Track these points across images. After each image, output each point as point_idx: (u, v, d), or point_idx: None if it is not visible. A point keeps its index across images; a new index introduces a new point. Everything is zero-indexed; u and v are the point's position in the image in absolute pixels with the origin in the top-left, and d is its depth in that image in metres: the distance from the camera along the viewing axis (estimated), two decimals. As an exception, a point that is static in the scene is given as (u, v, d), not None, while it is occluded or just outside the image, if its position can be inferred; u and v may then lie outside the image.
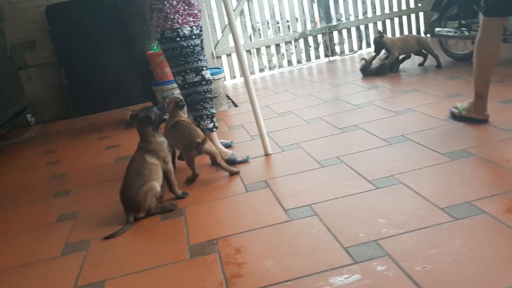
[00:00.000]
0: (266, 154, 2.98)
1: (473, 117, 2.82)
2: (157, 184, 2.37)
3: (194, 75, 2.89)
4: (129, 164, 2.40)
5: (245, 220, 2.15)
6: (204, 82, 2.91)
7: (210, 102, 2.98)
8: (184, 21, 2.79)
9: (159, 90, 4.44)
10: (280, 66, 6.33)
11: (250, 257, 1.83)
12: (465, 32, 4.24)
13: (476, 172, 2.19)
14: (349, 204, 2.10)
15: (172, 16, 2.75)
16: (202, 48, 2.96)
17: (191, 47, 2.85)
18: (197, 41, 2.90)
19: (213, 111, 2.99)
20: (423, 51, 4.71)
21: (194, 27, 2.86)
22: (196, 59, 2.88)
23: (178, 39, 2.81)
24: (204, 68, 2.93)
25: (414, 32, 6.59)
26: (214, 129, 2.99)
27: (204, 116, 2.95)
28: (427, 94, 3.67)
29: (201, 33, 2.94)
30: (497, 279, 1.42)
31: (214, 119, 3.00)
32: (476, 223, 1.76)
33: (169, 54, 2.88)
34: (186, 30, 2.81)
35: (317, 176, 2.49)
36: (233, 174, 2.73)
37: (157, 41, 2.96)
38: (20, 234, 2.49)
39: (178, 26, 2.79)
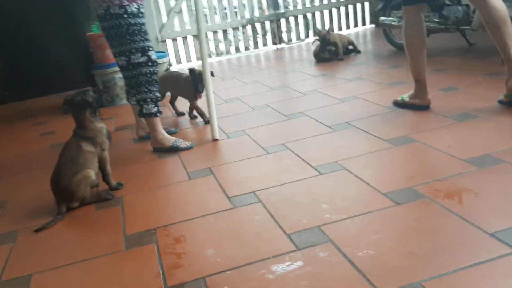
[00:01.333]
0: (214, 140, 2.89)
1: (415, 103, 2.86)
2: (92, 173, 2.23)
3: (140, 55, 2.74)
4: (63, 150, 2.24)
5: (187, 209, 2.07)
6: (150, 63, 2.76)
7: (156, 85, 2.83)
8: None
9: (99, 74, 4.23)
10: (228, 52, 6.23)
11: (191, 246, 1.75)
12: None
13: (418, 158, 2.21)
14: (293, 190, 2.07)
15: None
16: (146, 29, 2.82)
17: (138, 25, 2.70)
18: (143, 20, 2.75)
19: (158, 94, 2.85)
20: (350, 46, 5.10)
21: (140, 5, 2.71)
22: (143, 39, 2.73)
23: (125, 15, 2.64)
24: (150, 49, 2.78)
25: (360, 21, 6.68)
26: (158, 114, 2.84)
27: (149, 100, 2.80)
28: (371, 82, 3.71)
29: (144, 12, 2.80)
30: (439, 264, 1.42)
31: (159, 103, 2.87)
32: (417, 208, 1.76)
33: (113, 32, 2.70)
34: (134, 8, 2.66)
35: (263, 163, 2.44)
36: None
37: (98, 19, 2.77)
38: None
39: (127, 2, 2.63)
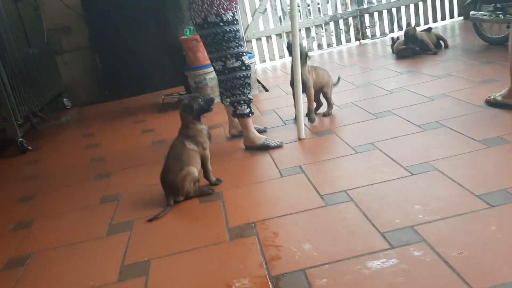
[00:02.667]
0: (300, 139, 3.02)
1: (509, 103, 2.79)
2: (195, 169, 2.45)
3: (234, 60, 2.94)
4: (170, 149, 2.49)
5: (282, 205, 2.22)
6: (244, 68, 2.96)
7: (249, 88, 3.02)
8: (229, 6, 2.83)
9: (191, 74, 4.51)
10: (310, 49, 6.32)
11: (288, 240, 1.90)
12: (500, 15, 4.15)
13: (513, 160, 2.20)
14: (384, 190, 2.14)
15: (218, 2, 2.80)
16: (240, 34, 3.00)
17: (233, 32, 2.89)
18: (238, 27, 2.94)
19: (251, 96, 3.04)
20: (440, 41, 4.97)
21: (235, 13, 2.91)
22: (237, 45, 2.92)
23: (221, 24, 2.85)
24: (244, 54, 2.97)
25: (447, 14, 6.46)
26: (251, 115, 3.04)
27: (242, 102, 3.00)
28: (461, 79, 3.64)
29: (238, 18, 2.98)
30: (534, 266, 1.45)
31: (251, 104, 3.05)
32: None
33: (210, 39, 2.92)
34: (229, 16, 2.86)
35: (352, 162, 2.53)
36: None
37: (196, 27, 3.00)
38: (67, 214, 2.63)
39: (223, 11, 2.83)
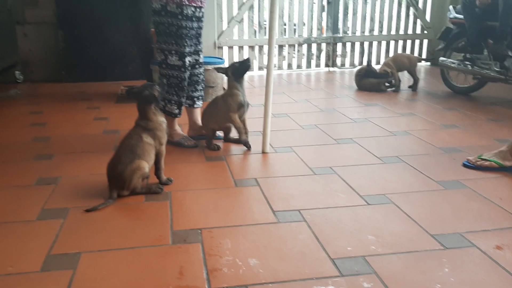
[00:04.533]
0: (263, 153, 2.93)
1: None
2: (146, 165, 2.30)
3: (177, 58, 2.88)
4: (124, 139, 2.33)
5: (232, 215, 2.11)
6: (183, 69, 2.91)
7: (184, 90, 2.98)
8: None
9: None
10: (280, 67, 6.30)
11: (234, 252, 1.78)
12: (469, 66, 4.27)
13: (469, 205, 2.19)
14: (339, 215, 2.08)
15: None
16: (199, 34, 2.95)
17: (187, 28, 2.83)
18: (195, 24, 2.88)
19: (183, 100, 3.01)
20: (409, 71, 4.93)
21: (197, 9, 2.83)
22: (185, 44, 2.86)
23: (180, 16, 2.78)
24: (189, 55, 2.92)
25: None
26: (178, 116, 3.04)
27: (173, 102, 2.98)
28: (424, 120, 3.69)
29: (202, 17, 2.91)
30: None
31: (182, 107, 3.04)
32: (465, 255, 1.75)
33: (162, 29, 2.85)
34: (190, 10, 2.78)
35: (309, 183, 2.46)
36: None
37: (152, 12, 2.89)
38: (-4, 192, 2.39)
39: (187, 3, 2.74)
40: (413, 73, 4.86)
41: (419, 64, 5.44)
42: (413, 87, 4.87)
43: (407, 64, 4.87)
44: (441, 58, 4.60)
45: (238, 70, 2.94)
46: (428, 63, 6.62)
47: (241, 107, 2.94)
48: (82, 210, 2.14)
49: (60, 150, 3.04)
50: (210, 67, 4.17)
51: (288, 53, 6.30)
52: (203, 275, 1.64)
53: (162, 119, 2.39)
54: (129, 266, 1.71)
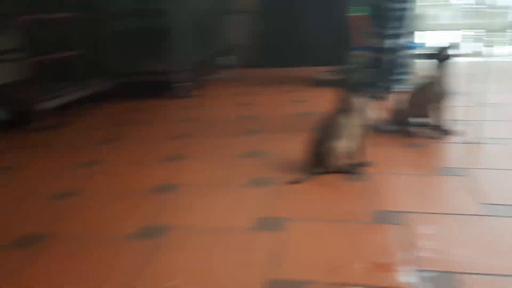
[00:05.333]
0: (471, 143, 2.70)
1: None
2: (346, 145, 2.31)
3: (381, 41, 2.90)
4: (324, 120, 2.38)
5: (435, 202, 2.00)
6: (390, 52, 2.92)
7: (387, 74, 2.98)
8: None
9: (356, 54, 4.34)
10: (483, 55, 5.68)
11: (440, 239, 1.69)
12: None
13: None
14: None
15: None
16: (403, 16, 2.93)
17: (393, 10, 2.85)
18: (398, 5, 2.88)
19: (386, 84, 2.98)
20: None
21: None
22: (389, 26, 2.88)
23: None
24: (394, 37, 2.92)
25: None
26: (382, 99, 2.99)
27: (376, 85, 2.96)
28: None
29: None
30: None
31: (385, 91, 3.01)
32: None
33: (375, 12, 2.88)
34: None
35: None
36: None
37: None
38: (212, 161, 2.69)
39: None
40: None
41: None
42: None
43: None
44: None
45: (443, 56, 2.77)
46: None
47: (445, 94, 2.76)
48: (286, 181, 2.26)
49: (265, 128, 3.28)
50: (413, 51, 3.99)
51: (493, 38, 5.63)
52: (404, 256, 1.59)
53: (364, 103, 2.38)
54: (332, 237, 1.76)
